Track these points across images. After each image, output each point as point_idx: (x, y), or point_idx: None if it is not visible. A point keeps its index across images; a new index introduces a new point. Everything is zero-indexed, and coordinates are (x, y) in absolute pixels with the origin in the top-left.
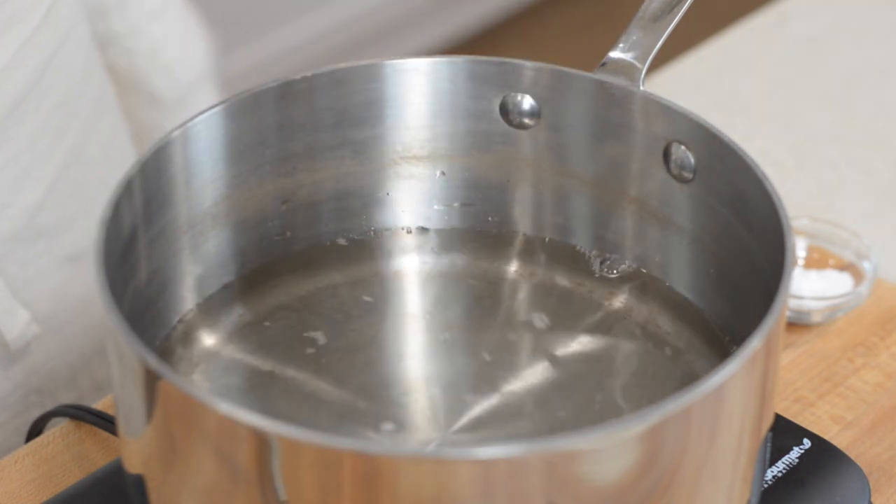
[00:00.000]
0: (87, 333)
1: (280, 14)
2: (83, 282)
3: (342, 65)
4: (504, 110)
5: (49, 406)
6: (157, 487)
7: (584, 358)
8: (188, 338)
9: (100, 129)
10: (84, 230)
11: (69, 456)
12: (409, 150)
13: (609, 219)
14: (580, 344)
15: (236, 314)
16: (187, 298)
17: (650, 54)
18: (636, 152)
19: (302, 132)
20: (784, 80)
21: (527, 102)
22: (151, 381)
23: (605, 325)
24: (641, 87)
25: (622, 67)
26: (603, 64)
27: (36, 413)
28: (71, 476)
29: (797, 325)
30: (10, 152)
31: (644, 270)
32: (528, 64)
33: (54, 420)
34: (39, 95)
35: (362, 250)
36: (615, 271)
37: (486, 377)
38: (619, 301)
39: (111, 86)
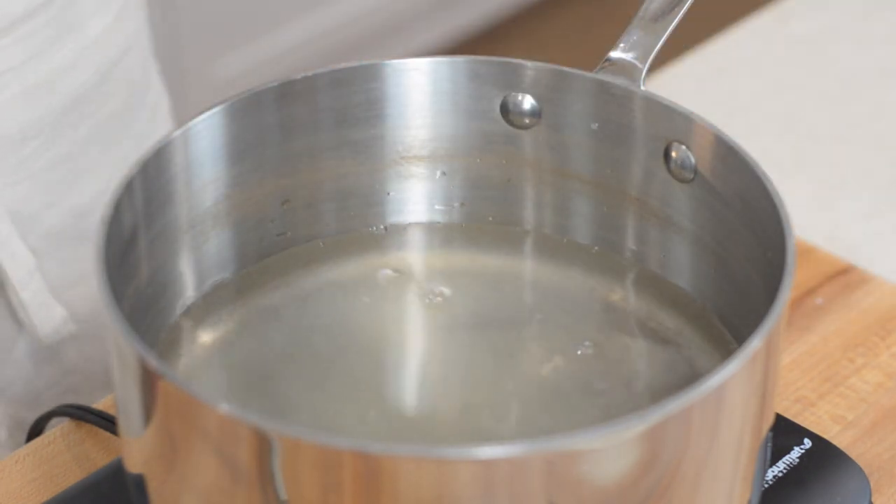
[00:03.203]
0: None
1: (280, 14)
2: None
3: (342, 65)
4: (504, 110)
5: None
6: (158, 487)
7: (584, 355)
8: (189, 337)
9: (154, 141)
10: None
11: (70, 456)
12: (409, 150)
13: (609, 218)
14: (581, 341)
15: (237, 314)
16: (188, 298)
17: (651, 54)
18: (637, 152)
19: (302, 132)
20: (784, 80)
21: (527, 102)
22: (151, 380)
23: (606, 323)
24: (642, 87)
25: (623, 67)
26: (603, 64)
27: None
28: (71, 476)
29: None
30: (61, 152)
31: (645, 269)
32: (529, 64)
33: (55, 420)
34: (99, 100)
35: (362, 250)
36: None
37: (486, 374)
38: (621, 299)
39: (167, 98)
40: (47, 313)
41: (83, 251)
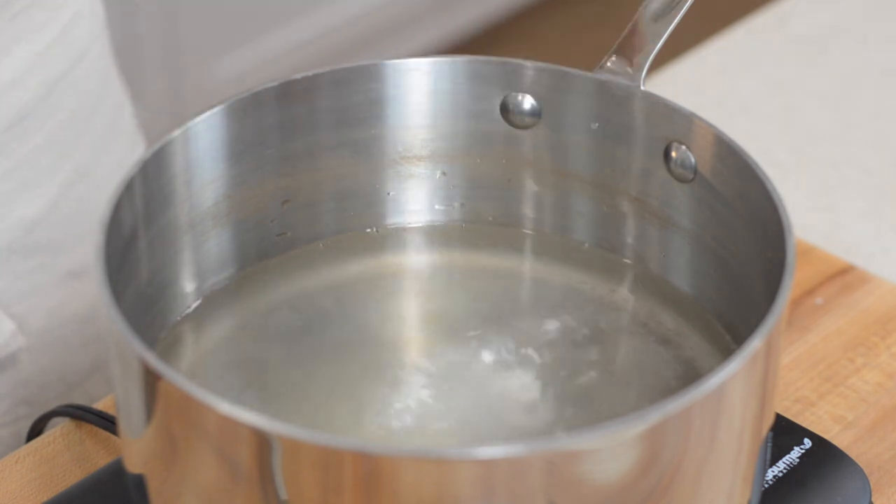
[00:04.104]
0: (85, 350)
1: (280, 14)
2: (84, 298)
3: (342, 65)
4: (504, 110)
5: None
6: (158, 487)
7: (584, 355)
8: (189, 337)
9: (113, 150)
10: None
11: (69, 456)
12: (409, 150)
13: (609, 218)
14: (581, 341)
15: (237, 314)
16: (188, 298)
17: (651, 54)
18: (636, 152)
19: (302, 132)
20: (784, 80)
21: (527, 102)
22: (152, 381)
23: (606, 323)
24: (642, 87)
25: (623, 67)
26: (603, 64)
27: (26, 424)
28: (71, 476)
29: None
30: (7, 165)
31: (645, 269)
32: (529, 64)
33: (55, 420)
34: (47, 111)
35: (363, 250)
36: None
37: (486, 374)
38: (621, 299)
39: (130, 106)
40: None
41: (36, 263)
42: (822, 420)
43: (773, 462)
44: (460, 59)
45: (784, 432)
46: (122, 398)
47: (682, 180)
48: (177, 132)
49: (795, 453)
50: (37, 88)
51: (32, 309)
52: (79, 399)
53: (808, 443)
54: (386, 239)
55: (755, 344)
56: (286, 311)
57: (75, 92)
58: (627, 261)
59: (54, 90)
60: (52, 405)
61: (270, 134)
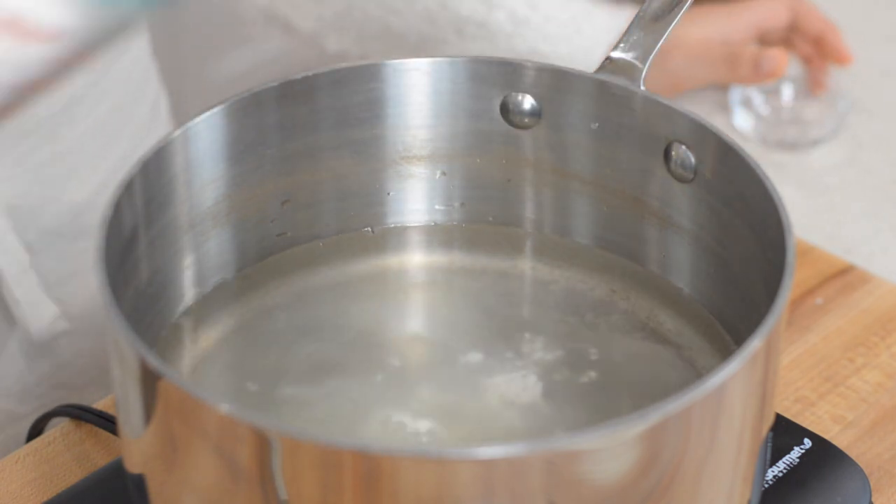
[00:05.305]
0: None
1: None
2: None
3: (342, 65)
4: (505, 110)
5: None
6: (158, 487)
7: (584, 355)
8: (189, 337)
9: (152, 138)
10: None
11: (69, 456)
12: (409, 150)
13: (609, 218)
14: (581, 341)
15: (237, 313)
16: (188, 298)
17: (651, 54)
18: (636, 152)
19: (302, 132)
20: None
21: (527, 102)
22: (152, 380)
23: (606, 323)
24: (642, 87)
25: (623, 67)
26: (604, 64)
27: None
28: (71, 476)
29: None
30: (58, 150)
31: (645, 269)
32: (529, 63)
33: (55, 420)
34: (95, 98)
35: (363, 250)
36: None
37: (486, 374)
38: (621, 299)
39: (166, 97)
40: (40, 311)
41: (78, 248)
42: (822, 420)
43: (773, 462)
44: (460, 59)
45: (784, 432)
46: (122, 398)
47: (682, 180)
48: (177, 132)
49: (795, 453)
50: (89, 72)
51: (73, 293)
52: (110, 384)
53: (808, 443)
54: (386, 239)
55: (755, 344)
56: (286, 310)
57: (122, 79)
58: (627, 261)
59: (103, 77)
60: (89, 389)
61: (270, 134)
